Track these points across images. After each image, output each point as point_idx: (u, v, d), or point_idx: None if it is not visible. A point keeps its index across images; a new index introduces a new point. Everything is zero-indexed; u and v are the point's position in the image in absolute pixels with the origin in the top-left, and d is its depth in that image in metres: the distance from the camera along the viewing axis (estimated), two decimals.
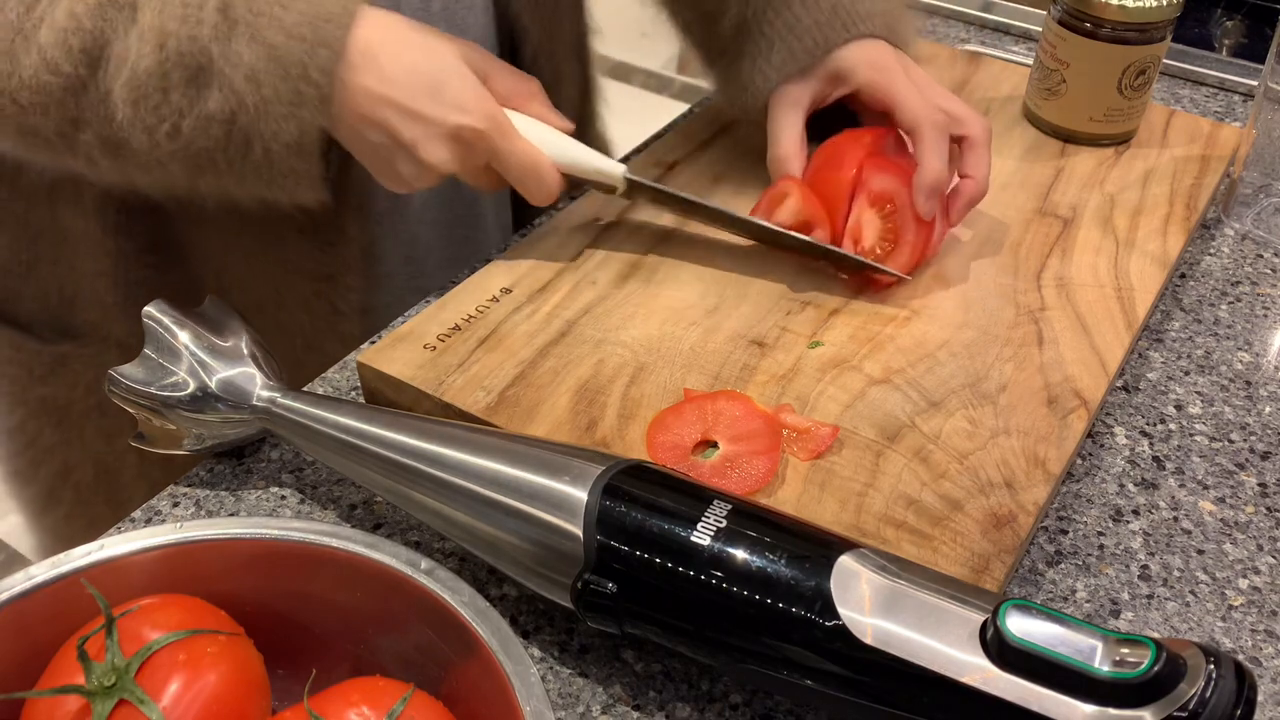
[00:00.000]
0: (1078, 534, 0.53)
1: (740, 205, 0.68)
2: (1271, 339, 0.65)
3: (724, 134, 0.74)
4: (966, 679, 0.37)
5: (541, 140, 0.59)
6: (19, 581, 0.39)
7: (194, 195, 0.58)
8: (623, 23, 1.00)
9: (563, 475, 0.43)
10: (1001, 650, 0.36)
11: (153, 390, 0.50)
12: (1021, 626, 0.36)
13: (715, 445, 0.52)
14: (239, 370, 0.51)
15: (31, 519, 0.80)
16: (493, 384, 0.54)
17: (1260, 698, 0.46)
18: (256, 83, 0.52)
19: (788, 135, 0.64)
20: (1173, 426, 0.59)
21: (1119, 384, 0.62)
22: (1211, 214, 0.76)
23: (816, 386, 0.55)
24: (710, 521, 0.41)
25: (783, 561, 0.40)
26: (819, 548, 0.41)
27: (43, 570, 0.40)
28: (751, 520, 0.42)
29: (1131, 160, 0.74)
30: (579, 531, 0.42)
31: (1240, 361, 0.63)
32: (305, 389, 0.59)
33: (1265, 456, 0.57)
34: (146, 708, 0.35)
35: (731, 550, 0.41)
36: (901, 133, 0.64)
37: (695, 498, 0.43)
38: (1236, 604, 0.50)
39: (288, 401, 0.50)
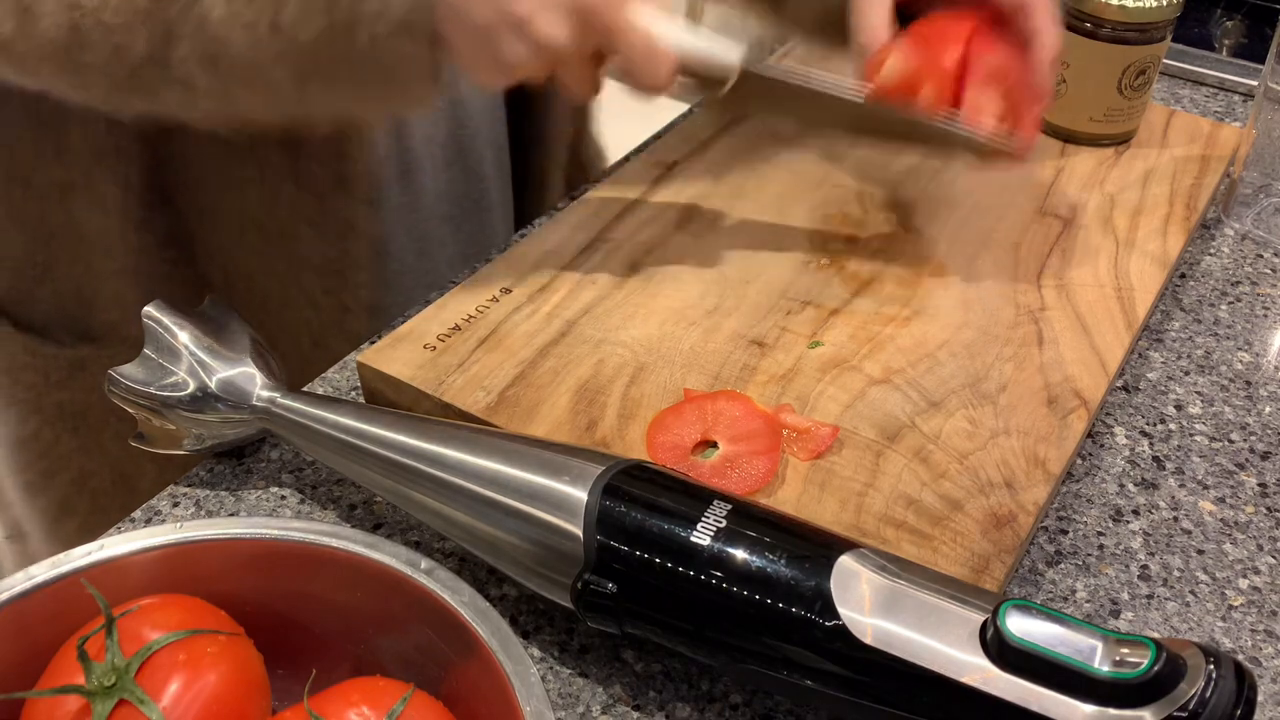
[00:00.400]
0: (1078, 534, 0.53)
1: (740, 205, 0.68)
2: (1271, 339, 0.65)
3: (724, 134, 0.74)
4: (966, 679, 0.37)
5: (652, 21, 0.54)
6: (19, 581, 0.39)
7: (303, 113, 0.54)
8: None
9: (563, 475, 0.43)
10: (1001, 650, 0.36)
11: (152, 390, 0.50)
12: (1021, 626, 0.36)
13: (715, 445, 0.52)
14: (239, 370, 0.51)
15: (45, 529, 0.78)
16: (493, 384, 0.54)
17: (1260, 698, 0.46)
18: None
19: (875, 12, 0.59)
20: (1173, 426, 0.59)
21: (1119, 384, 0.62)
22: (1211, 214, 0.76)
23: (816, 386, 0.55)
24: (710, 521, 0.41)
25: (783, 561, 0.40)
26: (819, 548, 0.41)
27: (43, 570, 0.40)
28: (751, 520, 0.42)
29: (1131, 160, 0.74)
30: (579, 531, 0.42)
31: (1240, 361, 0.63)
32: (305, 389, 0.59)
33: (1265, 456, 0.57)
34: (146, 708, 0.35)
35: (731, 550, 0.41)
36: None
37: (695, 498, 0.43)
38: (1236, 604, 0.50)
39: (288, 401, 0.50)
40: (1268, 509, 0.55)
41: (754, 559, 0.40)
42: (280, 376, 0.52)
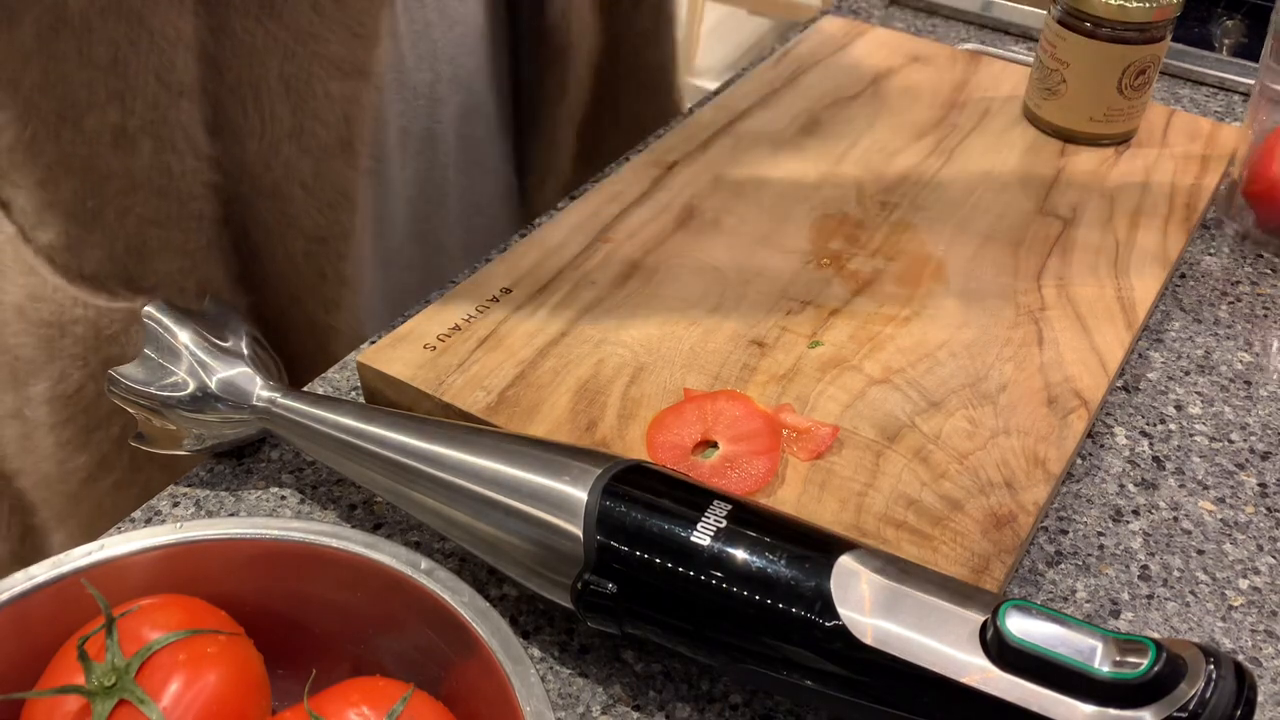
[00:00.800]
0: (1078, 534, 0.53)
1: (740, 205, 0.68)
2: (1271, 339, 0.65)
3: (724, 134, 0.74)
4: (966, 679, 0.37)
5: None
6: (19, 581, 0.39)
7: None
8: None
9: (563, 475, 0.43)
10: (1001, 650, 0.36)
11: (152, 390, 0.50)
12: (1021, 627, 0.36)
13: (715, 445, 0.52)
14: (239, 370, 0.51)
15: (78, 489, 0.75)
16: (493, 384, 0.54)
17: (1260, 698, 0.46)
18: None
19: None
20: (1173, 426, 0.59)
21: (1119, 384, 0.62)
22: (1211, 214, 0.76)
23: (816, 386, 0.55)
24: (710, 522, 0.41)
25: (782, 562, 0.40)
26: (819, 548, 0.41)
27: (43, 570, 0.40)
28: (751, 520, 0.42)
29: (1131, 160, 0.74)
30: (579, 532, 0.42)
31: (1240, 361, 0.63)
32: (305, 389, 0.59)
33: (1265, 456, 0.57)
34: (146, 708, 0.35)
35: (731, 550, 0.41)
36: None
37: (695, 498, 0.43)
38: (1236, 604, 0.50)
39: (288, 401, 0.50)
40: (1268, 509, 0.55)
41: (754, 559, 0.40)
42: (280, 376, 0.52)
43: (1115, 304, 0.61)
